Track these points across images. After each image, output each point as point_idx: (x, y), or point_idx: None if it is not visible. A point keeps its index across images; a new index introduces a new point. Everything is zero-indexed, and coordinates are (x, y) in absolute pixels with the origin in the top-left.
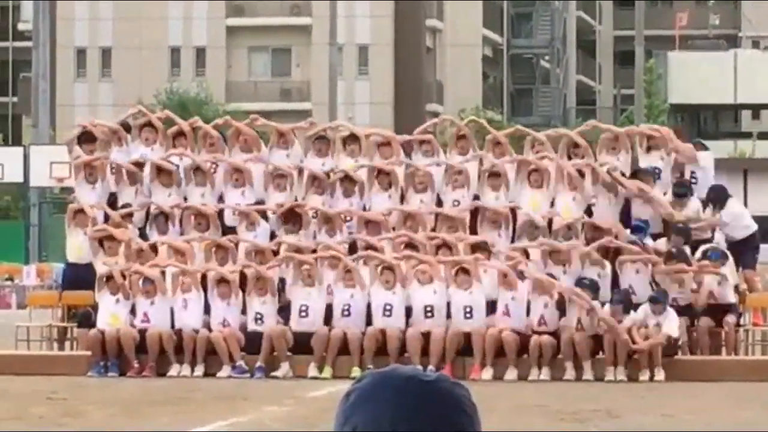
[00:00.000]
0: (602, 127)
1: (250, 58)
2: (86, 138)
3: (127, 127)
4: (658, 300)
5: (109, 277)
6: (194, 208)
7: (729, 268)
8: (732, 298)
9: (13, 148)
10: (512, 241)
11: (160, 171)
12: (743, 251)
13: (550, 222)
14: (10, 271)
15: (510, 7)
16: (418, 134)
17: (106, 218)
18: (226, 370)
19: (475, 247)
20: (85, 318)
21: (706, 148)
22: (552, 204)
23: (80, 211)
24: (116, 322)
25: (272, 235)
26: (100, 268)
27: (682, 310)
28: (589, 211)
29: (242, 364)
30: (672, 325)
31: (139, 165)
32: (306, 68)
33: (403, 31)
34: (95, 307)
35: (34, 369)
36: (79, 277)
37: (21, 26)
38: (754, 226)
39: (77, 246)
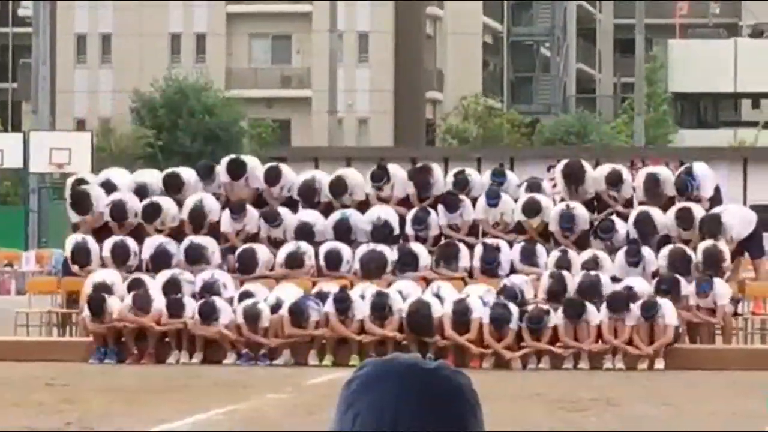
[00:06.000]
0: None
1: (250, 45)
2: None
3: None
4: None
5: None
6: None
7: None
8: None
9: (12, 134)
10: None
11: None
12: (750, 243)
13: None
14: (10, 257)
15: None
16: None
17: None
18: (231, 357)
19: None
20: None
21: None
22: None
23: None
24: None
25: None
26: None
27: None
28: None
29: (248, 352)
30: (671, 314)
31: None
32: (306, 55)
33: (403, 18)
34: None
35: (34, 355)
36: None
37: (21, 12)
38: (755, 216)
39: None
